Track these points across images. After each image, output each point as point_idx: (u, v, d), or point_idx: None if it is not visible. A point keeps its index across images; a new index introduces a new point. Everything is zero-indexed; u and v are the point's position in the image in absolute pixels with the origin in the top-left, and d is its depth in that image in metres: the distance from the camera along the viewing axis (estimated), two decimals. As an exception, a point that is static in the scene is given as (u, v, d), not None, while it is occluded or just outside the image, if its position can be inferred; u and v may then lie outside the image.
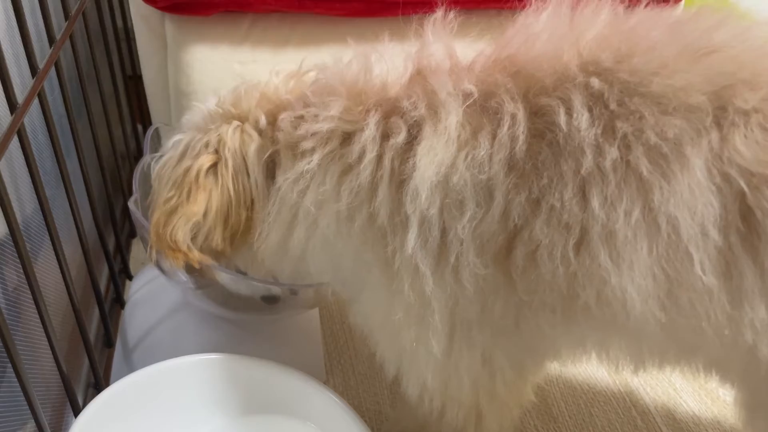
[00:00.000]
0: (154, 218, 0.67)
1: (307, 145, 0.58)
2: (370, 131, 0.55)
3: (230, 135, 0.64)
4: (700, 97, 0.47)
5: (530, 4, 0.56)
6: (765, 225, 0.45)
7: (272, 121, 0.64)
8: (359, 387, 0.91)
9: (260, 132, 0.64)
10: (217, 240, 0.65)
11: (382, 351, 0.65)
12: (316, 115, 0.58)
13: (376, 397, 0.90)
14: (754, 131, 0.46)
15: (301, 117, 0.60)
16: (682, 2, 1.02)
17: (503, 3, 0.96)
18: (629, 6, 0.54)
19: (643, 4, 0.54)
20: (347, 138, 0.57)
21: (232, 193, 0.64)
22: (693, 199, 0.46)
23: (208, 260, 0.67)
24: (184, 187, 0.64)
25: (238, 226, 0.65)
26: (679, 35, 0.51)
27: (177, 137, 0.68)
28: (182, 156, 0.66)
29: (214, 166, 0.64)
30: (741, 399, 0.58)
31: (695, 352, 0.55)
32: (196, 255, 0.65)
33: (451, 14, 0.58)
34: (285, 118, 0.61)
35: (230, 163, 0.64)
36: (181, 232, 0.64)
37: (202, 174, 0.64)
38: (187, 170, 0.64)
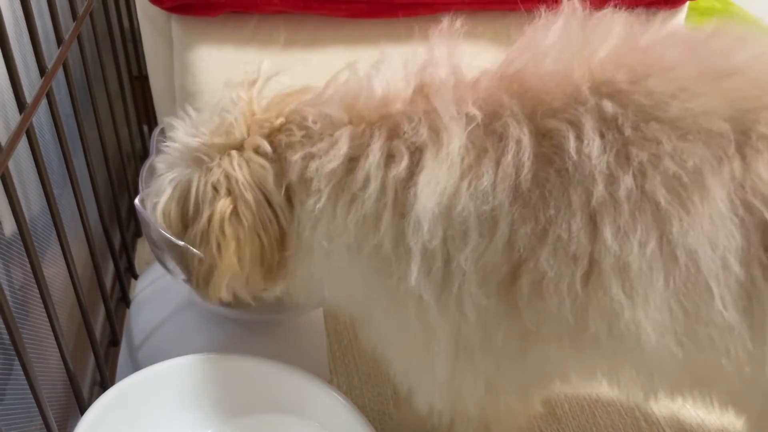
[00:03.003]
0: (193, 281, 0.66)
1: (317, 183, 0.56)
2: (374, 157, 0.53)
3: (237, 168, 0.60)
4: (722, 124, 0.45)
5: (539, 12, 0.53)
6: None
7: (270, 143, 0.60)
8: (363, 387, 0.91)
9: (270, 159, 0.60)
10: (257, 282, 0.64)
11: (394, 370, 0.65)
12: (325, 152, 0.56)
13: (379, 396, 0.90)
14: None
15: (311, 154, 0.57)
16: (686, 6, 1.02)
17: (509, 4, 0.96)
18: (629, 9, 0.52)
19: (646, 6, 0.52)
20: (353, 163, 0.55)
21: (261, 232, 0.61)
22: (714, 230, 0.44)
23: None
24: (212, 242, 0.61)
25: (274, 262, 0.63)
26: (698, 55, 0.49)
27: (169, 175, 0.64)
28: (192, 200, 0.62)
29: (234, 210, 0.60)
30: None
31: (712, 387, 0.53)
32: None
33: (458, 22, 0.55)
34: (297, 157, 0.58)
35: (251, 200, 0.60)
36: (222, 289, 0.63)
37: (226, 223, 0.60)
38: (209, 221, 0.61)
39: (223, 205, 0.60)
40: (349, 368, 0.94)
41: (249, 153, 0.61)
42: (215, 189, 0.61)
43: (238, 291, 0.66)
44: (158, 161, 0.67)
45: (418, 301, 0.54)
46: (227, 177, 0.60)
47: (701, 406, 0.56)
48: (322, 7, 0.95)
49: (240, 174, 0.60)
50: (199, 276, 0.64)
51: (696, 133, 0.45)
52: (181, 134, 0.65)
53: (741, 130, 0.45)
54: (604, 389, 0.92)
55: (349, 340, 0.98)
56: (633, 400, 0.90)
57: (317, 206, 0.56)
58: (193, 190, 0.62)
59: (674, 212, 0.45)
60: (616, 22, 0.51)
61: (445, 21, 0.56)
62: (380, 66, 0.58)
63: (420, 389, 0.64)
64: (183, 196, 0.63)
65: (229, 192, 0.60)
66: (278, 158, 0.60)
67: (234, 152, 0.61)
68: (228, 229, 0.60)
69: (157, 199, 0.65)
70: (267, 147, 0.60)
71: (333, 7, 0.95)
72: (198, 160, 0.63)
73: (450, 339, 0.56)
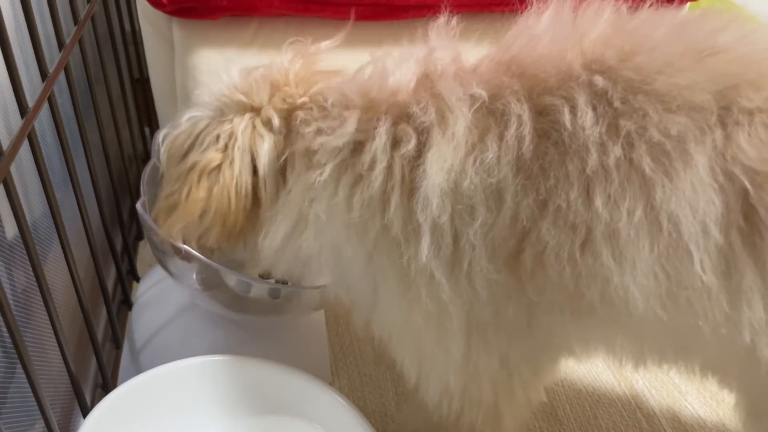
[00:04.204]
0: (155, 208, 0.68)
1: (320, 157, 0.58)
2: (380, 140, 0.55)
3: (241, 131, 0.63)
4: (705, 96, 0.47)
5: (531, 6, 0.56)
6: (767, 223, 0.45)
7: (286, 117, 0.63)
8: (365, 388, 0.91)
9: (273, 131, 0.63)
10: (212, 240, 0.66)
11: (402, 357, 0.65)
12: (333, 130, 0.58)
13: (381, 398, 0.90)
14: (758, 130, 0.46)
15: (320, 130, 0.59)
16: (687, 5, 1.02)
17: (505, 6, 0.96)
18: (633, 6, 0.54)
19: (648, 5, 0.55)
20: (358, 147, 0.57)
21: (232, 196, 0.63)
22: (695, 196, 0.46)
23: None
24: (186, 184, 0.64)
25: (235, 227, 0.65)
26: (683, 35, 0.51)
27: (191, 113, 0.68)
28: (192, 139, 0.66)
29: (218, 166, 0.63)
30: (741, 402, 0.58)
31: (693, 353, 0.55)
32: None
33: (455, 19, 0.58)
34: (309, 131, 0.60)
35: (236, 163, 0.63)
36: (176, 228, 0.65)
37: (205, 174, 0.63)
38: (193, 166, 0.64)
39: (211, 158, 0.63)
40: (351, 370, 0.94)
41: (258, 120, 0.64)
42: (216, 140, 0.64)
43: (188, 238, 0.67)
44: (194, 102, 0.70)
45: (429, 279, 0.55)
46: (231, 134, 0.64)
47: (685, 374, 0.58)
48: (323, 10, 0.96)
49: (241, 136, 0.63)
50: (160, 208, 0.67)
51: (680, 106, 0.47)
52: (220, 82, 0.68)
53: (723, 105, 0.47)
54: (604, 390, 0.92)
55: (351, 342, 0.99)
56: (627, 388, 0.91)
57: (318, 180, 0.58)
58: (198, 132, 0.65)
59: (658, 179, 0.47)
60: (605, 8, 0.54)
61: (442, 18, 0.59)
62: (398, 58, 0.61)
63: (433, 372, 0.64)
64: (190, 134, 0.66)
65: (225, 148, 0.63)
66: (289, 132, 0.62)
67: (248, 114, 0.64)
68: (204, 181, 0.63)
69: (170, 130, 0.69)
70: (276, 121, 0.63)
71: (334, 9, 0.96)
72: (218, 109, 0.66)
73: (463, 316, 0.57)
